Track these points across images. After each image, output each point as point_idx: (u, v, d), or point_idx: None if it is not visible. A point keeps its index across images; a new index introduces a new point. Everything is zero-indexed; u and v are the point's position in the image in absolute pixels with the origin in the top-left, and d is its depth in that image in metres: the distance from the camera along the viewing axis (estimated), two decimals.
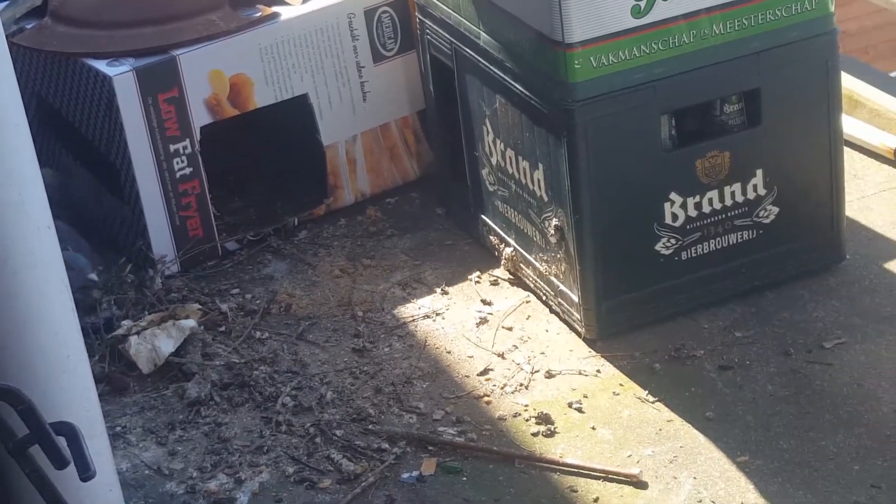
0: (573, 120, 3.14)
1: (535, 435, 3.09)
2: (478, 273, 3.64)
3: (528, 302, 3.52)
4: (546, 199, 3.33)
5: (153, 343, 3.37)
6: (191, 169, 3.71)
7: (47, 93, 3.88)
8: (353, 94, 3.88)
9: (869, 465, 2.91)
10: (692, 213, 3.29)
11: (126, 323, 3.44)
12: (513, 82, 3.31)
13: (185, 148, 3.70)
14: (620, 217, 3.25)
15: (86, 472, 1.95)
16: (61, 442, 1.98)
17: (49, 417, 2.01)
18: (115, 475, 2.54)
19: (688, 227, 3.30)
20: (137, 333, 3.39)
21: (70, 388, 2.30)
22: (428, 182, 4.00)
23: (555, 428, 3.10)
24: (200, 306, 3.55)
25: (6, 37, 2.23)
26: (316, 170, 3.90)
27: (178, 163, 3.70)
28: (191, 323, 3.42)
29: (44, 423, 1.95)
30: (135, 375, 3.39)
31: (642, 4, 3.09)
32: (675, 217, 3.28)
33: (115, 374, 3.36)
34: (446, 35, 3.58)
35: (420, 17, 3.71)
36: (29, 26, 3.87)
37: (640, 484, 2.93)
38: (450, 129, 3.72)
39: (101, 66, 3.64)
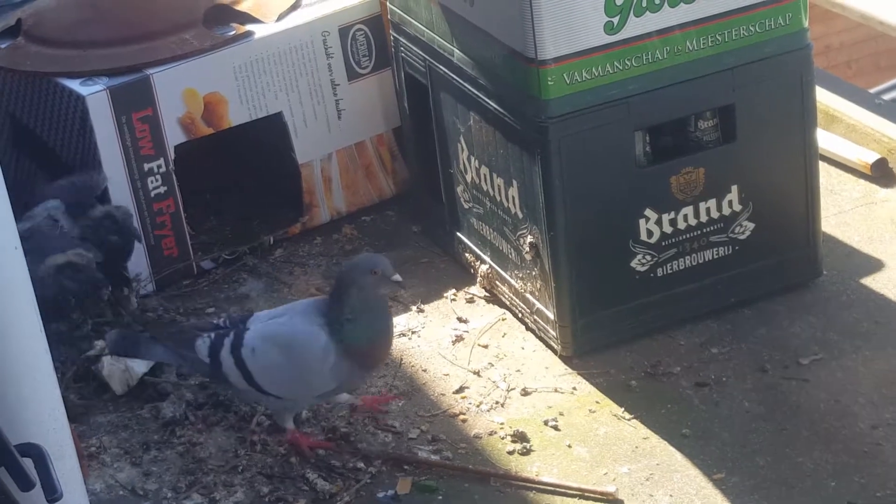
0: (547, 136, 3.14)
1: (510, 453, 3.08)
2: (453, 290, 3.63)
3: (503, 319, 3.51)
4: (521, 216, 3.32)
5: (126, 363, 3.35)
6: (165, 188, 3.70)
7: (21, 113, 3.86)
8: (328, 111, 3.87)
9: (846, 482, 2.90)
10: (667, 229, 3.28)
11: (99, 343, 3.42)
12: (486, 99, 3.31)
13: (159, 167, 3.68)
14: (595, 234, 3.24)
15: (52, 495, 1.94)
16: (28, 464, 1.97)
17: (16, 439, 1.99)
18: (85, 496, 2.51)
19: (663, 243, 3.29)
20: (109, 354, 3.37)
21: (37, 409, 2.27)
22: (404, 200, 4.00)
23: (531, 446, 3.09)
24: None
25: None
26: (291, 188, 3.89)
27: (152, 182, 3.69)
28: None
29: (8, 445, 1.93)
30: (107, 397, 3.37)
31: (615, 21, 3.09)
32: (650, 233, 3.28)
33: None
34: (420, 52, 3.57)
35: (394, 34, 3.70)
36: (2, 46, 3.85)
37: (615, 502, 2.92)
38: (425, 147, 3.72)
39: (74, 85, 3.62)
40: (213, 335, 3.06)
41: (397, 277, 3.02)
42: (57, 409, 2.33)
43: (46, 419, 2.29)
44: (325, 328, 2.98)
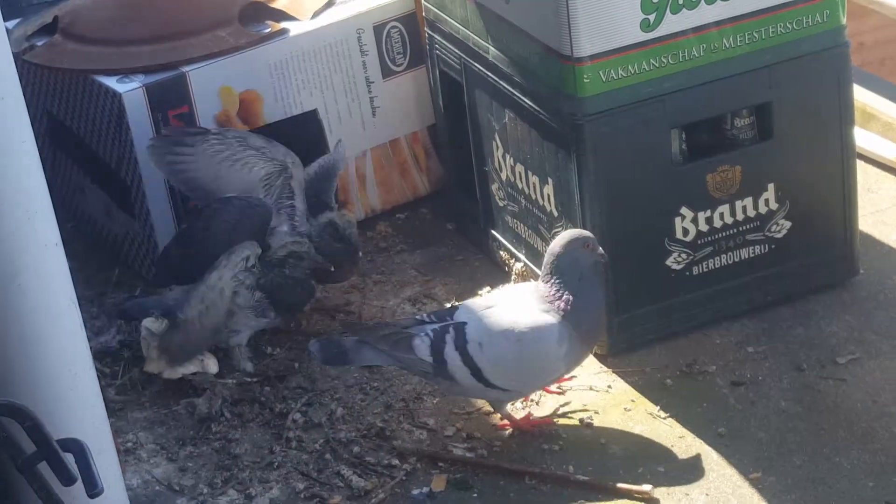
0: (582, 134, 3.14)
1: (545, 451, 3.08)
2: (488, 288, 3.63)
3: None
4: (556, 214, 3.32)
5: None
6: None
7: (58, 110, 3.88)
8: (363, 109, 3.87)
9: (884, 482, 2.89)
10: (703, 227, 3.28)
11: (165, 323, 3.40)
12: (522, 97, 3.31)
13: None
14: (631, 232, 3.24)
15: (93, 489, 1.95)
16: (69, 458, 1.98)
17: (57, 434, 2.01)
18: (124, 492, 2.53)
19: (699, 241, 3.28)
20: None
21: (78, 405, 2.29)
22: (438, 197, 4.00)
23: (566, 444, 3.08)
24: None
25: (17, 54, 2.23)
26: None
27: None
28: (213, 368, 3.38)
29: (50, 440, 1.94)
30: (144, 393, 3.39)
31: (651, 18, 3.08)
32: (685, 232, 3.27)
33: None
34: (455, 50, 3.57)
35: (429, 31, 3.71)
36: (40, 43, 3.87)
37: (651, 500, 2.91)
38: (459, 145, 3.72)
39: (111, 82, 3.64)
40: (431, 334, 3.02)
41: (601, 251, 3.01)
42: (97, 405, 2.35)
43: (87, 415, 2.31)
44: (553, 314, 2.96)
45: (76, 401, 2.28)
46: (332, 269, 3.45)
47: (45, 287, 2.22)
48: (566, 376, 3.19)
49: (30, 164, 2.20)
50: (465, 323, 3.02)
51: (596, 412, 3.17)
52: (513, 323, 2.99)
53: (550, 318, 2.96)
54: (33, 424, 1.93)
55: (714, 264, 3.32)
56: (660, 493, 2.93)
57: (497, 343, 2.99)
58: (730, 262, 3.33)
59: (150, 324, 3.37)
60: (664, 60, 3.13)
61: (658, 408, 3.16)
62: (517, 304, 3.02)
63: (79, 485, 1.99)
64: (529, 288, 3.08)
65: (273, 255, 3.37)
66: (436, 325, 3.03)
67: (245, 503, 3.03)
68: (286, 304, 3.41)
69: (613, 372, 3.29)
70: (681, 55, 3.13)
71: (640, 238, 3.25)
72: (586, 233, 3.05)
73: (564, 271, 2.97)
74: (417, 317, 3.13)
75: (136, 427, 3.29)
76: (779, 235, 3.35)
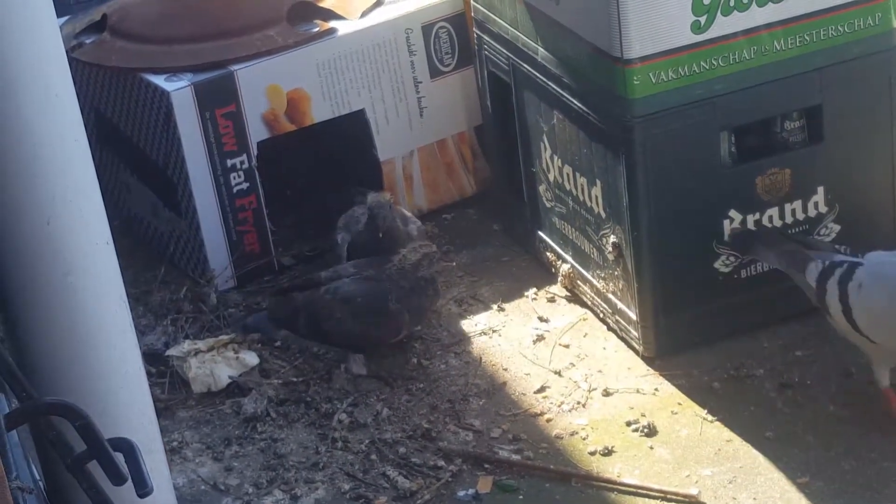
0: (632, 136, 3.12)
1: (592, 454, 3.07)
2: (534, 290, 3.62)
3: (585, 319, 3.50)
4: (604, 215, 3.31)
5: (212, 369, 3.37)
6: (248, 184, 3.72)
7: (105, 108, 3.89)
8: (410, 109, 3.87)
9: None
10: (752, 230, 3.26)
11: (187, 344, 3.43)
12: (571, 98, 3.30)
13: (242, 163, 3.70)
14: (679, 234, 3.22)
15: (143, 489, 1.94)
16: (119, 458, 1.98)
17: (107, 433, 2.00)
18: (172, 491, 2.54)
19: None
20: (196, 355, 3.39)
21: (128, 404, 2.30)
22: (485, 198, 3.99)
23: (612, 447, 3.07)
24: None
25: (66, 52, 2.24)
26: (373, 185, 3.88)
27: (235, 178, 3.70)
28: (254, 360, 3.40)
29: (102, 439, 1.94)
30: (189, 393, 3.39)
31: (702, 20, 3.07)
32: None
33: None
34: (504, 50, 3.57)
35: (478, 32, 3.70)
36: (88, 41, 3.89)
37: None
38: (507, 145, 3.71)
39: (159, 81, 3.65)
40: (826, 262, 3.02)
41: None
42: (146, 404, 2.35)
43: (136, 413, 2.31)
44: None
45: (126, 399, 2.28)
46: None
47: (97, 285, 2.23)
48: None
49: (83, 162, 2.21)
50: (861, 264, 3.00)
51: (643, 415, 3.15)
52: (890, 273, 2.97)
53: None
54: (85, 423, 1.93)
55: (762, 267, 3.30)
56: (707, 496, 2.92)
57: (873, 288, 2.96)
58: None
59: (175, 351, 3.41)
60: (714, 62, 3.11)
61: (705, 411, 3.15)
62: None
63: (128, 485, 1.99)
64: None
65: (405, 260, 3.37)
66: (837, 258, 3.03)
67: (291, 503, 3.03)
68: (417, 307, 3.39)
69: (660, 374, 3.27)
70: (731, 57, 3.11)
71: (689, 240, 3.24)
72: None
73: None
74: (837, 246, 3.12)
75: (182, 426, 3.30)
76: (828, 239, 3.33)
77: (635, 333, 3.31)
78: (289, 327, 3.41)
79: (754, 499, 2.90)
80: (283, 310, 3.42)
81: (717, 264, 3.27)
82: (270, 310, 3.45)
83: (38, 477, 2.21)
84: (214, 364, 3.37)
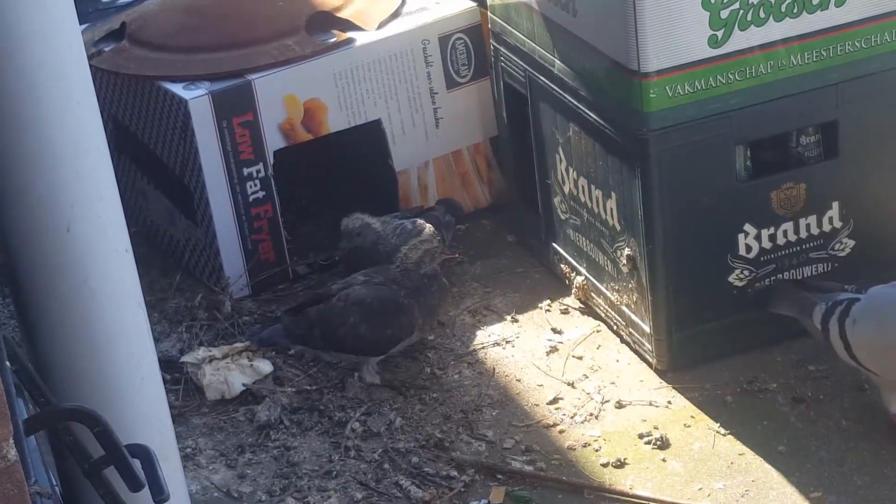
0: (647, 149, 3.13)
1: (604, 466, 3.07)
2: (548, 301, 3.63)
3: (598, 331, 3.50)
4: (618, 228, 3.32)
5: (226, 377, 3.38)
6: (263, 192, 3.73)
7: (123, 115, 3.91)
8: (426, 119, 3.88)
9: None
10: (766, 244, 3.26)
11: (201, 351, 3.45)
12: (587, 111, 3.30)
13: (258, 172, 3.71)
14: (693, 248, 3.23)
15: (160, 495, 1.95)
16: (136, 464, 1.99)
17: (124, 439, 2.01)
18: (187, 498, 2.54)
19: (762, 259, 3.27)
20: (211, 362, 3.40)
21: (145, 411, 2.30)
22: (499, 209, 4.00)
23: (625, 459, 3.08)
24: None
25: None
26: (388, 195, 3.90)
27: (251, 186, 3.72)
28: (268, 368, 3.42)
29: (119, 445, 1.95)
30: (203, 400, 3.40)
31: (720, 34, 3.08)
32: (749, 249, 3.26)
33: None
34: (520, 62, 3.58)
35: (494, 43, 3.71)
36: (107, 49, 3.90)
37: None
38: (522, 157, 3.72)
39: (177, 89, 3.66)
40: (829, 302, 3.04)
41: None
42: (162, 410, 2.36)
43: (153, 420, 2.31)
44: None
45: (143, 406, 2.28)
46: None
47: (115, 292, 2.23)
48: None
49: (103, 169, 2.22)
50: (859, 299, 3.02)
51: (656, 427, 3.16)
52: (883, 305, 2.99)
53: None
54: (103, 430, 1.94)
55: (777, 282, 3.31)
56: None
57: (864, 321, 2.99)
58: (792, 279, 3.31)
59: (189, 358, 3.42)
60: (731, 77, 3.12)
61: (718, 424, 3.15)
62: None
63: (144, 491, 2.00)
64: None
65: (407, 259, 3.38)
66: (840, 297, 3.05)
67: None
68: (426, 304, 3.39)
69: (674, 388, 3.28)
70: (748, 72, 3.12)
71: (703, 254, 3.24)
72: None
73: None
74: (847, 286, 3.12)
75: (196, 433, 3.31)
76: (842, 254, 3.34)
77: (649, 346, 3.32)
78: (304, 342, 3.42)
79: None
80: (299, 326, 3.42)
81: (731, 278, 3.28)
82: (286, 328, 3.45)
83: (55, 482, 2.23)
84: (228, 371, 3.39)
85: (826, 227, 3.30)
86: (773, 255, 3.28)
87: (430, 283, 3.38)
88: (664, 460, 3.07)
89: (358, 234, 3.58)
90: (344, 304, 3.36)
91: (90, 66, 3.77)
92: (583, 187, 3.44)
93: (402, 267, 3.36)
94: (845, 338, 3.00)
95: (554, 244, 3.67)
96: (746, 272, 3.28)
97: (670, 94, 3.10)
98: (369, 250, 3.56)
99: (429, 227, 3.53)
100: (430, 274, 3.38)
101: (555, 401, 3.29)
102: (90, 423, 1.95)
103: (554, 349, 3.46)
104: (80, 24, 3.86)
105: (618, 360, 3.40)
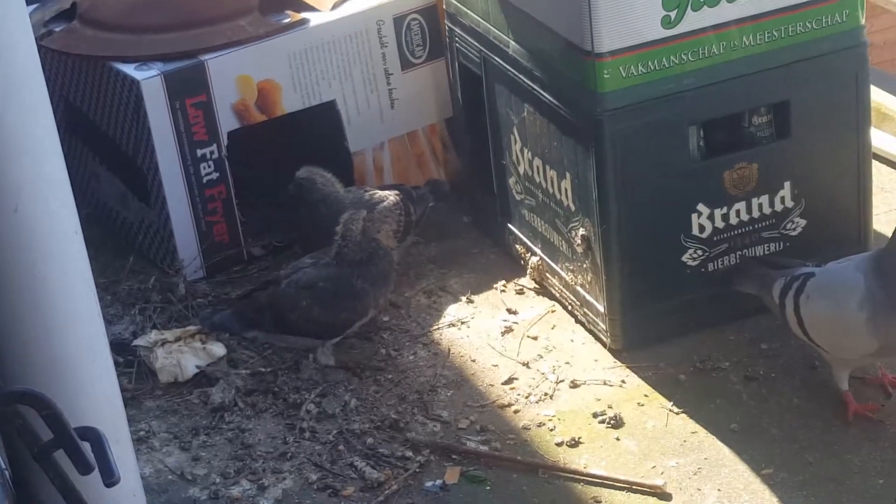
0: (602, 130, 3.14)
1: (559, 445, 3.08)
2: (503, 282, 3.64)
3: (553, 311, 3.51)
4: (573, 208, 3.32)
5: (179, 359, 3.37)
6: (218, 174, 3.72)
7: (74, 96, 3.89)
8: (381, 101, 3.87)
9: (894, 480, 2.89)
10: (719, 224, 3.28)
11: (154, 334, 3.43)
12: (541, 91, 3.31)
13: (212, 153, 3.70)
14: (647, 228, 3.24)
15: (110, 478, 1.94)
16: (86, 447, 1.98)
17: (74, 422, 2.01)
18: (139, 481, 2.53)
19: (715, 238, 3.29)
20: (163, 345, 3.39)
21: (95, 394, 2.29)
22: (455, 190, 4.00)
23: (579, 438, 3.09)
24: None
25: (35, 39, 2.23)
26: (343, 177, 3.88)
27: (204, 168, 3.70)
28: (221, 351, 3.41)
29: (68, 429, 1.94)
30: (156, 383, 3.39)
31: (673, 15, 3.08)
32: (702, 228, 3.27)
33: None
34: (475, 43, 3.57)
35: (449, 24, 3.71)
36: (58, 29, 3.87)
37: (663, 495, 2.92)
38: (477, 138, 3.72)
39: (129, 69, 3.64)
40: (787, 278, 3.05)
41: None
42: (114, 394, 2.35)
43: (104, 403, 2.31)
44: (868, 278, 2.91)
45: (94, 389, 2.28)
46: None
47: (65, 275, 2.22)
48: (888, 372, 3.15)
49: (51, 151, 2.20)
50: (813, 274, 3.03)
51: (610, 407, 3.17)
52: (829, 280, 3.00)
53: (859, 281, 2.93)
54: (51, 413, 1.93)
55: (729, 261, 3.32)
56: (672, 487, 2.94)
57: (816, 298, 3.00)
58: (752, 256, 3.32)
59: (142, 341, 3.40)
60: (684, 57, 3.12)
61: (671, 403, 3.17)
62: (853, 263, 3.00)
63: (94, 474, 1.99)
64: (873, 254, 3.03)
65: (350, 232, 3.35)
66: (798, 272, 3.06)
67: (258, 493, 3.03)
68: (378, 274, 3.38)
69: (627, 367, 3.29)
70: (700, 52, 3.13)
71: (657, 234, 3.25)
72: None
73: None
74: (809, 263, 3.12)
75: (149, 416, 3.30)
76: (794, 233, 3.35)
77: (603, 326, 3.33)
78: (256, 326, 3.40)
79: (719, 490, 2.92)
80: (249, 311, 3.40)
81: (684, 258, 3.29)
82: (237, 312, 3.43)
83: (4, 466, 2.22)
84: (181, 354, 3.38)
85: (778, 207, 3.32)
86: (725, 235, 3.30)
87: (377, 249, 3.37)
88: (618, 439, 3.08)
89: (300, 185, 3.55)
90: (294, 288, 3.35)
91: (41, 46, 3.77)
92: (538, 168, 3.44)
93: (346, 240, 3.34)
94: (798, 313, 3.02)
95: (509, 225, 3.67)
96: (700, 252, 3.29)
97: (624, 75, 3.10)
98: (310, 208, 3.56)
99: (393, 197, 3.54)
100: (376, 239, 3.37)
101: (510, 381, 3.29)
102: (39, 405, 1.94)
103: (509, 329, 3.47)
104: (30, 3, 3.85)
105: (572, 340, 3.41)
